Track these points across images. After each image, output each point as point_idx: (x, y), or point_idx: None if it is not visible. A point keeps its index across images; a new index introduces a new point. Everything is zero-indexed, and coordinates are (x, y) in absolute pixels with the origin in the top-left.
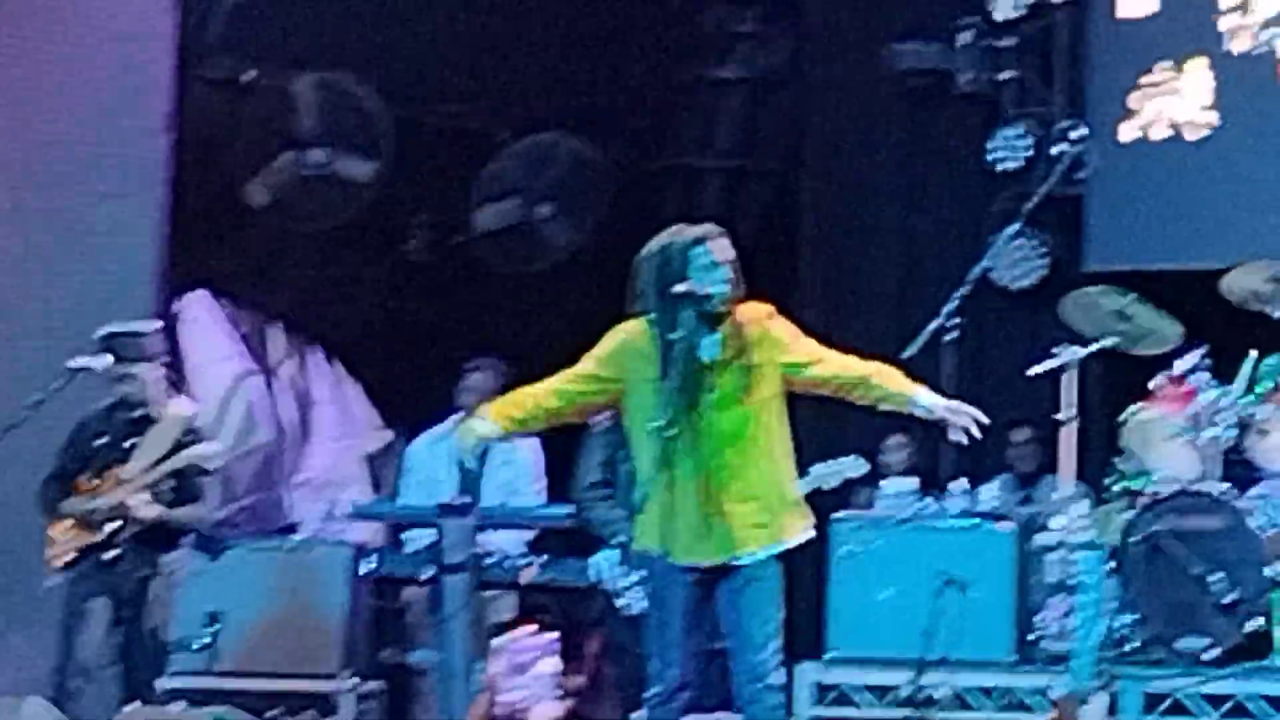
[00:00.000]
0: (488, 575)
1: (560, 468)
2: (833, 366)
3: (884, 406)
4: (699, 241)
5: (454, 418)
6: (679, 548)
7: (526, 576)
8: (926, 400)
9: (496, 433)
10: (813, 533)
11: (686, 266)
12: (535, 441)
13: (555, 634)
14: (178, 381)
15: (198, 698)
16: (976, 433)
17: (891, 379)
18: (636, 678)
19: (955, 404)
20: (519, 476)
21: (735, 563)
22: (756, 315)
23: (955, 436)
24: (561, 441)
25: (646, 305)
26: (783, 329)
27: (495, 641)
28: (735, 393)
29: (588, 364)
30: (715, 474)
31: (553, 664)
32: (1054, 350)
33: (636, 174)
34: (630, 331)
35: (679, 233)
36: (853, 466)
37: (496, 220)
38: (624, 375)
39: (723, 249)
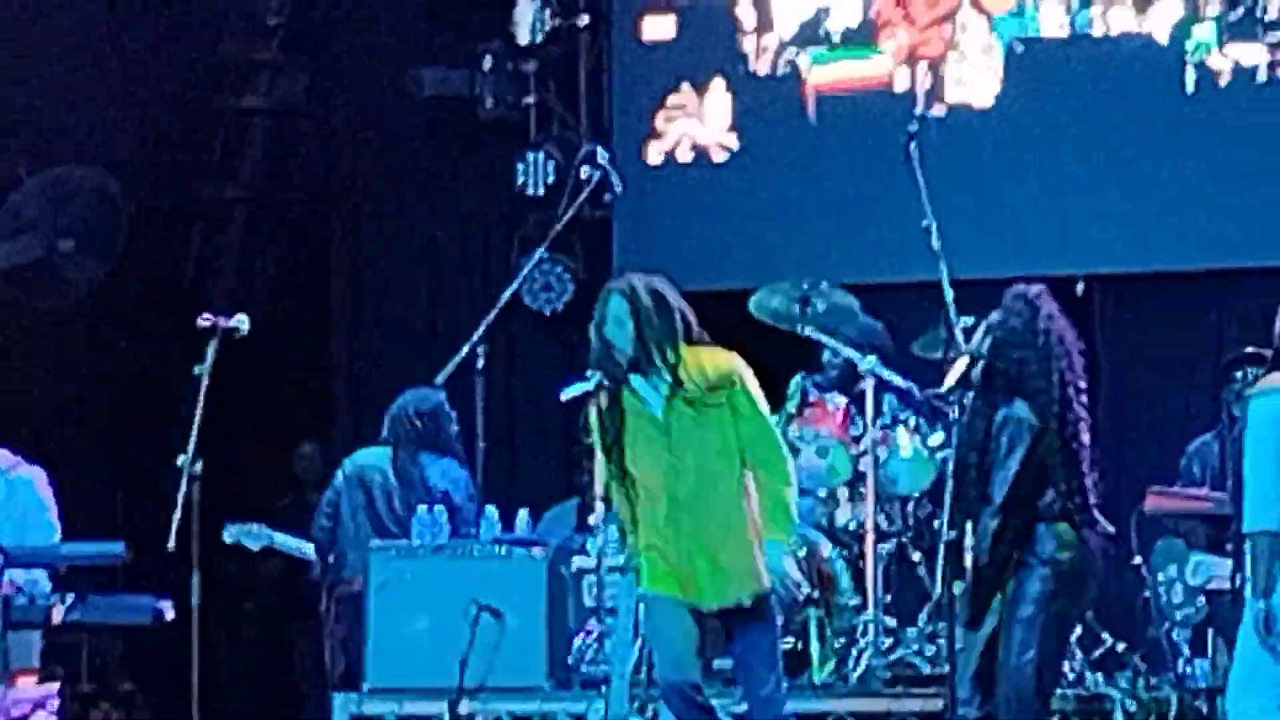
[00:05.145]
0: (16, 615)
1: None
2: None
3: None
4: (609, 294)
5: None
6: None
7: (57, 616)
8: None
9: None
10: None
11: (604, 320)
12: (40, 472)
13: (55, 684)
14: None
15: None
16: None
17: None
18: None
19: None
20: (28, 511)
21: None
22: (717, 364)
23: None
24: None
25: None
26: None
27: None
28: None
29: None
30: None
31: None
32: (587, 374)
33: (159, 207)
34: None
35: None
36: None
37: (15, 257)
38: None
39: (617, 302)
